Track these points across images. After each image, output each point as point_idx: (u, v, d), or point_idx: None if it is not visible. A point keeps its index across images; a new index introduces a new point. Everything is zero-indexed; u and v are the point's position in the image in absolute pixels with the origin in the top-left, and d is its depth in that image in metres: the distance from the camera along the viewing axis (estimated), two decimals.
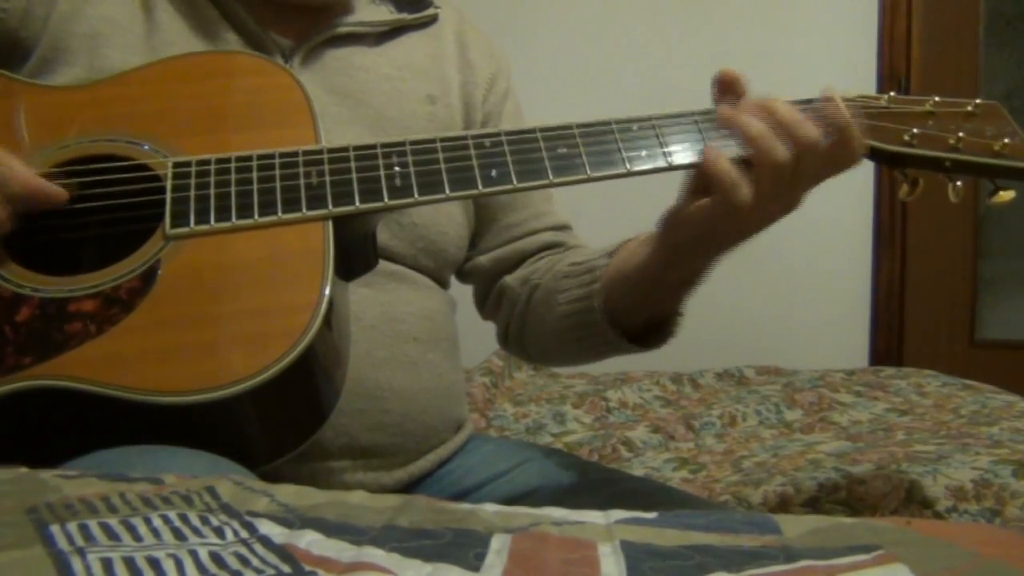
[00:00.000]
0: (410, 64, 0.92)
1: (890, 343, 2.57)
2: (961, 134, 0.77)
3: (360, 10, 0.91)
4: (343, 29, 0.88)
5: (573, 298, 0.87)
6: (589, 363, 0.95)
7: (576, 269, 0.89)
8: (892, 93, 0.81)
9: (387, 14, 0.92)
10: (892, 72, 2.52)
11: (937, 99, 0.79)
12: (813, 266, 2.53)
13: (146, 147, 0.72)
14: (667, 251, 0.77)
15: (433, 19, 0.96)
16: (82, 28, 0.80)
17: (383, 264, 0.83)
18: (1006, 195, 0.78)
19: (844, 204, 2.50)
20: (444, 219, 0.89)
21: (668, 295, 0.82)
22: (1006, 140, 0.77)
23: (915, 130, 0.77)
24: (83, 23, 0.80)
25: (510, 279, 0.96)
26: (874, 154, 0.78)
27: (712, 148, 0.71)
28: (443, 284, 0.93)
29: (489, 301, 0.99)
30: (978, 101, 0.80)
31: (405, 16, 0.93)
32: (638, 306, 0.83)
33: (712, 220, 0.71)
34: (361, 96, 0.87)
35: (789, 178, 0.70)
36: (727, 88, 0.74)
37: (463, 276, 0.99)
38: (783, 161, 0.69)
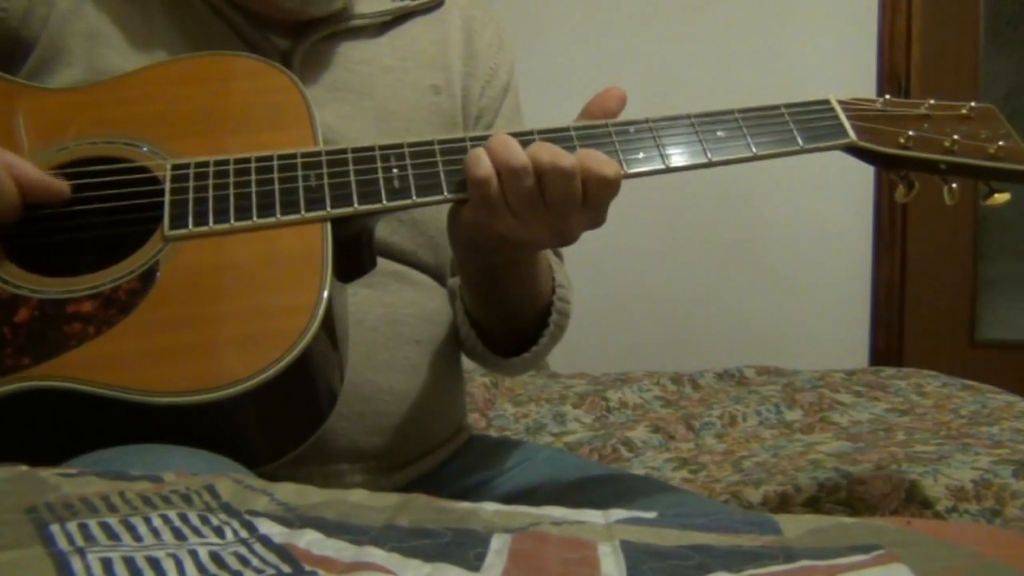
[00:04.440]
0: (414, 53, 0.91)
1: (890, 343, 2.57)
2: (956, 137, 0.77)
3: (360, 1, 0.89)
4: (342, 25, 0.87)
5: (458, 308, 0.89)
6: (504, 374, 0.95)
7: None
8: (887, 96, 0.81)
9: (388, 3, 0.90)
10: (892, 72, 2.52)
11: (932, 102, 0.80)
12: (813, 266, 2.53)
13: (144, 149, 0.72)
14: (454, 246, 0.79)
15: (439, 3, 0.94)
16: (81, 27, 0.80)
17: (384, 263, 0.82)
18: (1001, 197, 0.78)
19: (844, 205, 2.50)
20: (445, 214, 0.89)
21: (480, 291, 0.83)
22: (1001, 143, 0.77)
23: (911, 133, 0.77)
24: (83, 22, 0.80)
25: (452, 281, 0.95)
26: (871, 156, 0.78)
27: (471, 153, 0.70)
28: (444, 281, 0.93)
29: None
30: (973, 104, 0.80)
31: (408, 3, 0.91)
32: (477, 305, 0.85)
33: (474, 220, 0.71)
34: (363, 90, 0.87)
35: (540, 204, 0.69)
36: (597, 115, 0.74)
37: None
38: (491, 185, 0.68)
